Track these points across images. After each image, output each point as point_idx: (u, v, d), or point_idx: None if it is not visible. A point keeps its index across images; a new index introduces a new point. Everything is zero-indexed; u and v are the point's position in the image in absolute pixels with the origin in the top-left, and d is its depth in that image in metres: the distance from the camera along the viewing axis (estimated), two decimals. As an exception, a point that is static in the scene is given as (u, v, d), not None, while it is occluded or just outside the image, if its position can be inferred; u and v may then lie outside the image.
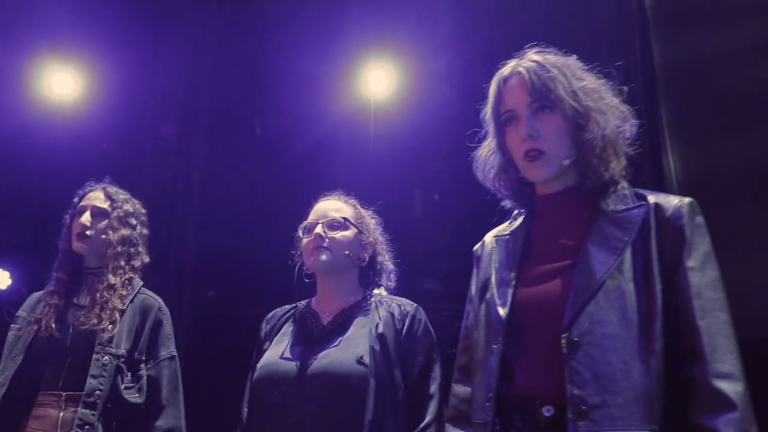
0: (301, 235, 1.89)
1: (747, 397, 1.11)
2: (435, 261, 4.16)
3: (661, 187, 3.37)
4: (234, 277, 4.55)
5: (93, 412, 1.89)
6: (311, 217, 1.89)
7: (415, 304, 1.87)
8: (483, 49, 3.92)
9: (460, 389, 1.45)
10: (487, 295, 1.36)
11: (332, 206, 1.90)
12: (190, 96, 4.72)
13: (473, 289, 1.48)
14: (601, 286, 1.18)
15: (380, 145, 4.27)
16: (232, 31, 4.72)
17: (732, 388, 1.11)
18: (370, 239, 1.91)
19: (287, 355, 1.74)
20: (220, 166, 4.70)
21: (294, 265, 1.95)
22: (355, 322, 1.78)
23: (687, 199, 1.27)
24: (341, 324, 1.78)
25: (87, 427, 1.88)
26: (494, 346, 1.27)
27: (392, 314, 1.78)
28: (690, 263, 1.19)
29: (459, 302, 1.63)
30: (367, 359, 1.64)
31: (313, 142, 4.46)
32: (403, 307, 1.81)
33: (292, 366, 1.69)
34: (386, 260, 1.95)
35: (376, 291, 1.92)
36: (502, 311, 1.29)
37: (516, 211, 1.50)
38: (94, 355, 1.95)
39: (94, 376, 1.93)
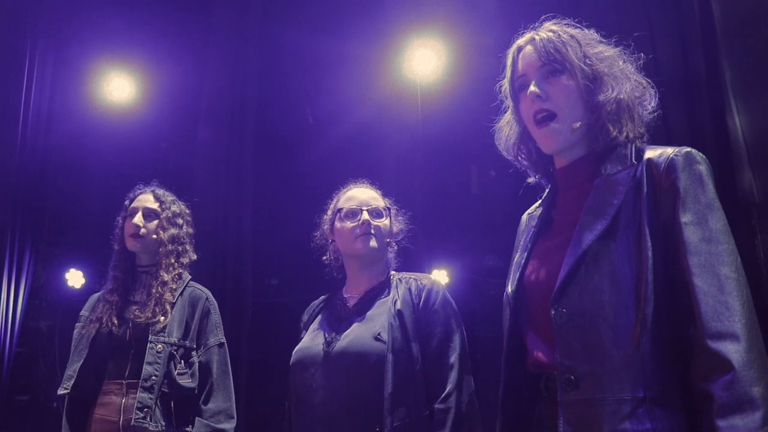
0: (338, 221, 1.91)
1: (751, 355, 1.02)
2: (494, 237, 4.12)
3: (727, 148, 3.21)
4: (295, 264, 4.61)
5: (150, 395, 2.07)
6: (352, 204, 1.90)
7: (434, 278, 1.90)
8: (532, 19, 3.82)
9: None
10: None
11: (371, 194, 1.94)
12: (238, 89, 4.79)
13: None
14: (586, 253, 1.15)
15: (431, 124, 4.24)
16: (275, 21, 4.76)
17: (730, 347, 1.03)
18: (399, 226, 1.98)
19: (317, 339, 1.83)
20: (270, 153, 4.77)
21: (319, 251, 1.99)
22: (377, 302, 1.85)
23: (684, 149, 1.18)
24: (364, 305, 1.86)
25: (146, 409, 2.05)
26: (507, 324, 1.30)
27: (410, 290, 1.83)
28: (684, 218, 1.12)
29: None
30: (384, 336, 1.72)
31: (362, 124, 4.46)
32: (419, 282, 1.85)
33: (319, 348, 1.79)
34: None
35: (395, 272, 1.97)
36: (509, 289, 1.32)
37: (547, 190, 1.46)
38: (149, 344, 2.12)
39: (149, 363, 2.09)
